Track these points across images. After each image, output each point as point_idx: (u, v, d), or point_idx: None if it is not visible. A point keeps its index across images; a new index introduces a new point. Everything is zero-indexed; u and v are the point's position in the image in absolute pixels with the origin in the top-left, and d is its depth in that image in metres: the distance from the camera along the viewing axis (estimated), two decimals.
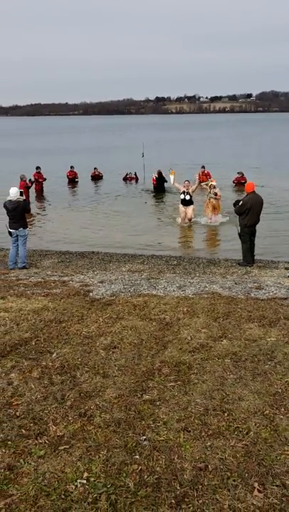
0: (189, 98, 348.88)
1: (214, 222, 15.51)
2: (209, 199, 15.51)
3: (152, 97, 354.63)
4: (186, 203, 15.46)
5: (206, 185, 15.97)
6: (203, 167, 24.78)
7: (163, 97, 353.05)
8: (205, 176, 24.37)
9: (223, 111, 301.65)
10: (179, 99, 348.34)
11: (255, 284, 8.74)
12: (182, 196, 15.47)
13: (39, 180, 22.48)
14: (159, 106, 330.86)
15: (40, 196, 21.87)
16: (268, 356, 5.33)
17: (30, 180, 19.05)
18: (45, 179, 22.79)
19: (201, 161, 29.63)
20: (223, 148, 49.12)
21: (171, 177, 16.70)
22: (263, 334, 6.00)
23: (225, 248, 13.20)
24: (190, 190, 15.33)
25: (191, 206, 15.58)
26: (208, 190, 15.58)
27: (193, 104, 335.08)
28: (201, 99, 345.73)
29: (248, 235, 10.80)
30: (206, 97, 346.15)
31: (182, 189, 15.49)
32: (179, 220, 15.83)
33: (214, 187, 15.41)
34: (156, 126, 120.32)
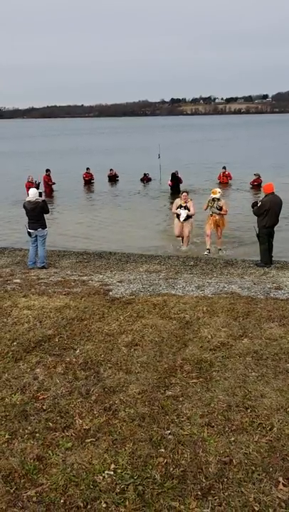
0: (204, 99, 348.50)
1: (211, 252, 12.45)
2: (212, 214, 12.49)
3: (167, 99, 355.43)
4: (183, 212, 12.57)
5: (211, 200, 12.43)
6: (224, 168, 24.73)
7: (178, 99, 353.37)
8: (226, 177, 24.33)
9: (238, 112, 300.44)
10: (194, 101, 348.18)
11: (274, 285, 8.74)
12: (179, 211, 12.57)
13: (48, 182, 22.71)
14: (174, 107, 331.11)
15: (50, 198, 22.11)
16: None
17: (36, 181, 19.66)
18: (54, 183, 23.03)
19: (218, 161, 29.66)
20: (240, 148, 48.94)
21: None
22: (284, 333, 6.03)
23: (242, 249, 13.19)
24: (189, 205, 12.51)
25: (190, 221, 12.71)
26: (211, 203, 12.46)
27: (208, 106, 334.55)
28: (217, 101, 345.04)
29: (266, 236, 10.79)
30: (222, 98, 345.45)
31: (178, 203, 12.67)
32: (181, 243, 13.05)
33: (218, 199, 12.37)
34: (172, 127, 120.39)
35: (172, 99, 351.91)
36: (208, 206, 12.39)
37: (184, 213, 12.46)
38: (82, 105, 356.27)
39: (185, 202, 12.56)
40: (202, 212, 12.90)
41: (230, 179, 24.33)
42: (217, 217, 12.39)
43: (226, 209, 12.57)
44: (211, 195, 12.32)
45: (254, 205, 11.08)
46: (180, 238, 13.05)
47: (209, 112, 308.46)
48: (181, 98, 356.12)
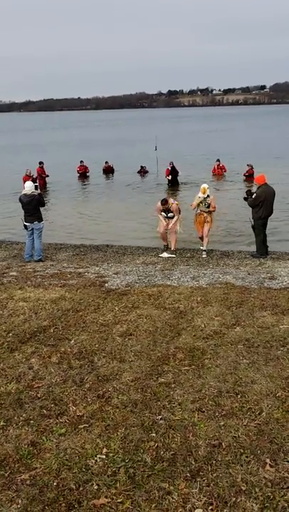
0: (202, 91, 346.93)
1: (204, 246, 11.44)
2: (200, 213, 11.32)
3: (164, 91, 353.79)
4: (168, 218, 11.49)
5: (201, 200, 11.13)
6: (218, 160, 24.70)
7: (175, 90, 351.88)
8: (220, 169, 24.33)
9: (236, 103, 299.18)
10: (192, 92, 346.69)
11: (269, 275, 8.83)
12: (163, 214, 11.48)
13: (42, 175, 22.74)
14: (171, 99, 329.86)
15: (43, 191, 22.12)
16: (281, 342, 5.45)
17: (33, 175, 19.58)
18: (47, 175, 23.06)
19: (215, 153, 29.62)
20: (238, 140, 48.85)
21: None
22: (276, 322, 6.12)
23: (238, 240, 13.27)
24: (172, 209, 11.32)
25: (175, 217, 11.45)
26: (198, 200, 11.17)
27: (206, 97, 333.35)
28: (214, 92, 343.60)
29: (261, 227, 10.87)
30: (219, 90, 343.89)
31: (161, 207, 11.40)
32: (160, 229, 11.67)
33: (208, 196, 11.17)
34: (169, 119, 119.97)
35: (169, 90, 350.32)
36: (197, 205, 11.21)
37: (170, 214, 11.27)
38: (79, 98, 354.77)
39: (166, 208, 11.31)
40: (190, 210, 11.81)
41: (225, 171, 24.33)
42: (205, 214, 11.26)
43: (215, 205, 11.27)
44: (201, 194, 11.07)
45: (247, 195, 11.13)
46: (164, 241, 11.73)
47: (207, 104, 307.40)
48: (178, 90, 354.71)
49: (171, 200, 11.52)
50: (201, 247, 11.51)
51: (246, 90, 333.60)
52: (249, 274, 9.07)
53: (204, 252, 11.26)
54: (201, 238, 11.54)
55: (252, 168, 22.71)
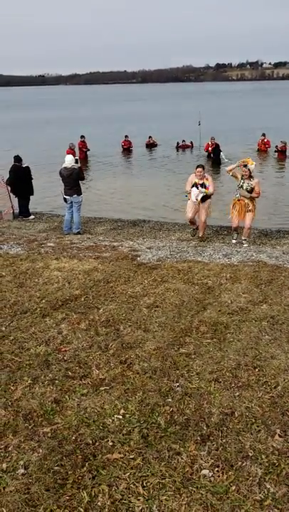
0: (251, 64, 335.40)
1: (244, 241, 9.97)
2: (239, 199, 9.74)
3: (212, 64, 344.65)
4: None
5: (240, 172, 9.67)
6: (263, 135, 24.13)
7: (224, 64, 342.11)
8: (264, 145, 23.77)
9: (287, 78, 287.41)
10: (241, 66, 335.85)
11: None
12: (194, 189, 10.16)
13: (83, 149, 23.00)
14: (219, 73, 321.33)
15: (83, 165, 22.39)
16: None
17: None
18: (88, 149, 23.32)
19: (259, 128, 28.85)
20: (286, 115, 47.22)
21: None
22: None
23: (279, 219, 13.10)
24: (207, 182, 10.10)
25: (207, 202, 10.24)
26: (239, 180, 9.66)
27: (255, 71, 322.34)
28: (264, 66, 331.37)
29: None
30: (270, 63, 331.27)
31: (194, 180, 10.20)
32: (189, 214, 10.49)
33: (250, 177, 9.53)
34: (216, 93, 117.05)
35: (217, 64, 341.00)
36: (235, 176, 9.79)
37: (195, 192, 10.06)
38: (125, 71, 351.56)
39: (201, 179, 10.09)
40: (226, 193, 11.30)
41: (269, 147, 23.77)
42: (246, 200, 9.68)
43: (259, 190, 9.72)
44: (246, 163, 9.60)
45: None
46: (193, 225, 10.87)
47: (256, 78, 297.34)
48: (226, 63, 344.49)
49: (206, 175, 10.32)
50: (234, 240, 10.14)
51: None
52: (284, 253, 9.00)
53: (245, 241, 10.01)
54: (236, 229, 10.07)
55: (285, 145, 22.08)
